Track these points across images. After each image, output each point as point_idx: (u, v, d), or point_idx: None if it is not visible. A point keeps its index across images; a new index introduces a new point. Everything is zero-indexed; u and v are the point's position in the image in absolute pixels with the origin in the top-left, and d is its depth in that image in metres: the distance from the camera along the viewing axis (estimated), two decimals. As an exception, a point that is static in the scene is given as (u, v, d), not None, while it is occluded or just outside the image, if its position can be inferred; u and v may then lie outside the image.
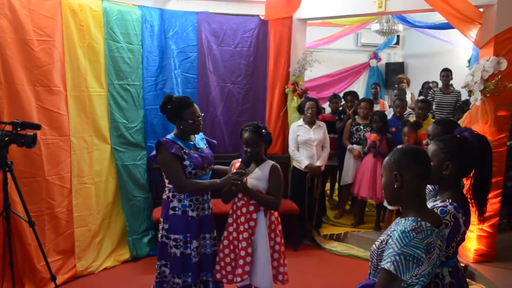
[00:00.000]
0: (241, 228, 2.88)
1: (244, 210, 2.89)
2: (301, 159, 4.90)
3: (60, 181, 3.91)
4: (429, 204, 2.03)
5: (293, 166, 5.06)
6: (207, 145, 3.13)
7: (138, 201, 4.58)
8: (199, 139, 3.09)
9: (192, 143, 2.98)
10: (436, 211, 1.91)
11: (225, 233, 2.98)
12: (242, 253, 2.83)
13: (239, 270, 2.83)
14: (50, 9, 3.79)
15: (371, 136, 4.98)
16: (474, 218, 2.08)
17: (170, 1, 4.87)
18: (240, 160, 2.95)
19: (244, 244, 2.84)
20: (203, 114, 3.01)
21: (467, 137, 2.04)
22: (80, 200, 4.09)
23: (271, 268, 2.88)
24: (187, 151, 2.89)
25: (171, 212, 2.92)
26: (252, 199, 2.88)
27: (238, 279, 2.84)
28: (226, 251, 2.94)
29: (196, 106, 2.95)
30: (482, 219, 2.09)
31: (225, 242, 2.96)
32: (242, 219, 2.88)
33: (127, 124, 4.48)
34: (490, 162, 2.08)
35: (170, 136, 2.94)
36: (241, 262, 2.83)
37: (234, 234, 2.92)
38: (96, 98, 4.21)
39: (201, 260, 2.99)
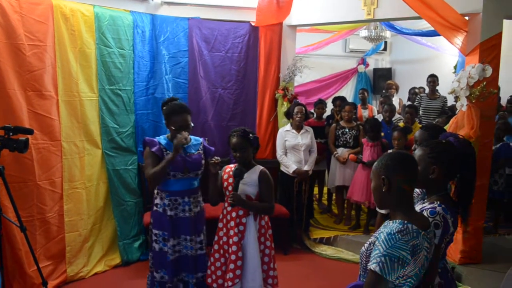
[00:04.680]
0: (231, 232, 2.91)
1: (233, 214, 2.93)
2: (289, 164, 4.95)
3: (51, 186, 3.90)
4: (418, 207, 2.08)
5: (281, 171, 5.10)
6: (201, 151, 3.18)
7: (129, 205, 4.58)
8: (193, 145, 3.16)
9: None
10: (425, 212, 1.96)
11: (216, 238, 3.02)
12: (233, 257, 2.86)
13: (230, 274, 2.85)
14: (42, 13, 3.79)
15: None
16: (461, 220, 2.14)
17: (162, 7, 4.91)
18: (230, 166, 3.01)
19: (234, 248, 2.87)
20: (193, 125, 3.09)
21: (452, 142, 2.11)
22: (71, 205, 4.08)
23: (261, 272, 2.92)
24: (169, 153, 3.01)
25: (154, 208, 3.11)
26: (249, 210, 2.92)
27: (230, 283, 2.86)
28: (217, 255, 2.98)
29: (185, 117, 3.03)
30: (467, 221, 2.16)
31: (216, 247, 3.00)
32: (232, 223, 2.92)
33: (118, 129, 4.49)
34: (474, 165, 2.15)
35: (163, 136, 3.12)
36: (231, 266, 2.85)
37: (224, 239, 2.95)
38: (88, 103, 4.21)
39: (180, 260, 3.08)
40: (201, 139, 3.26)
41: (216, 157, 2.93)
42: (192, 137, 3.21)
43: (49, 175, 3.88)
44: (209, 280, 2.99)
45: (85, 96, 4.19)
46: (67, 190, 4.05)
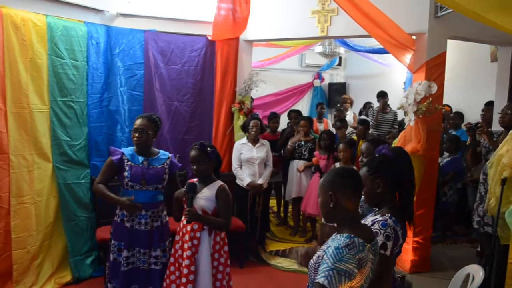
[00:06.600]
0: (185, 246, 2.93)
1: (188, 228, 2.95)
2: (243, 176, 4.98)
3: (-3, 201, 3.74)
4: (369, 219, 2.15)
5: (236, 184, 5.11)
6: (166, 166, 3.19)
7: (80, 220, 4.44)
8: (160, 158, 3.20)
9: (142, 157, 3.13)
10: (377, 225, 2.04)
11: (172, 251, 3.04)
12: (185, 271, 2.87)
13: None
14: (-10, 23, 3.67)
15: (313, 160, 5.20)
16: (410, 231, 2.23)
17: (117, 19, 4.86)
18: (193, 180, 3.01)
19: (187, 262, 2.88)
20: (141, 129, 3.12)
21: (385, 153, 2.25)
22: (18, 221, 3.91)
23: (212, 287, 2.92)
24: (130, 163, 3.10)
25: (115, 218, 3.13)
26: (204, 224, 2.94)
27: None
28: (172, 268, 2.99)
29: (142, 122, 3.13)
30: (412, 225, 2.26)
31: (172, 260, 3.01)
32: (187, 237, 2.94)
33: (70, 142, 4.36)
34: (410, 167, 2.29)
35: (130, 147, 3.19)
36: (184, 280, 2.86)
37: (180, 252, 2.97)
38: (38, 115, 4.08)
39: (132, 272, 3.10)
40: (169, 154, 3.28)
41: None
42: (161, 151, 3.27)
43: (-5, 190, 3.73)
44: None
45: (36, 107, 4.06)
46: (15, 206, 3.88)
